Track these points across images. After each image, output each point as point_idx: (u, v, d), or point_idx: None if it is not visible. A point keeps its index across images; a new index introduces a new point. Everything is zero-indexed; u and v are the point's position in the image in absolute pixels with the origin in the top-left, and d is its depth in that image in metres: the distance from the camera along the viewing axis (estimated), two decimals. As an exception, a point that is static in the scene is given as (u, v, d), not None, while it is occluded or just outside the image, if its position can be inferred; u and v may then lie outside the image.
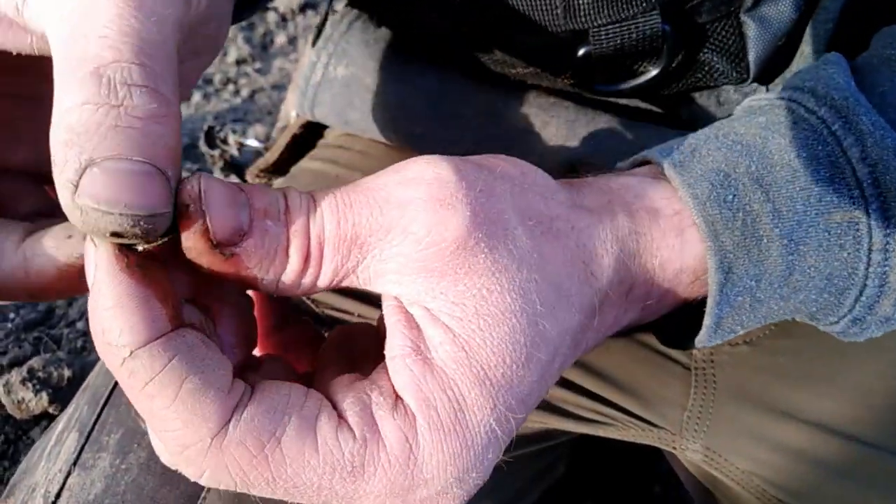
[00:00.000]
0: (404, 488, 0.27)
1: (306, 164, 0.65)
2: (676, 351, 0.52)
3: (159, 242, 0.27)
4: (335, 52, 0.59)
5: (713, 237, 0.33)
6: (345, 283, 0.30)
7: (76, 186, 0.24)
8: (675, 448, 0.53)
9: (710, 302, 0.34)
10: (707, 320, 0.35)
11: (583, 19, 0.43)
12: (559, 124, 0.53)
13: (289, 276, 0.28)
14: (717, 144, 0.36)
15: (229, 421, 0.26)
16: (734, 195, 0.34)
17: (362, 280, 0.29)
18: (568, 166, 0.52)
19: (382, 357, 0.33)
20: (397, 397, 0.28)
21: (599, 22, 0.43)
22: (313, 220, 0.28)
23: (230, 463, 0.26)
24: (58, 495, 0.45)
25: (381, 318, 0.36)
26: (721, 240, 0.33)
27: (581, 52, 0.45)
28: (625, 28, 0.43)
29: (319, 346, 0.37)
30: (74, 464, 0.46)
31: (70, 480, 0.46)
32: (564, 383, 0.52)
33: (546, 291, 0.29)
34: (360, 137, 0.63)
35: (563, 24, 0.43)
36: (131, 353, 0.25)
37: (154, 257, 0.27)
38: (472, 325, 0.28)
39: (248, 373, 0.31)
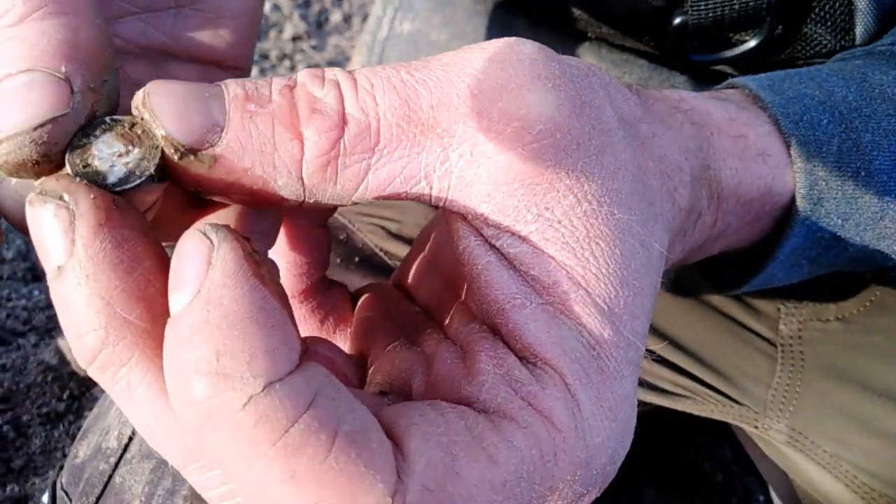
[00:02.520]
0: (585, 462, 0.22)
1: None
2: (762, 326, 0.50)
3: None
4: (400, 6, 0.58)
5: (804, 159, 0.30)
6: (413, 192, 0.23)
7: None
8: (756, 427, 0.50)
9: (788, 231, 0.31)
10: (778, 252, 0.31)
11: None
12: (631, 81, 0.51)
13: (313, 163, 0.21)
14: (811, 75, 0.32)
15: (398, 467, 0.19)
16: (829, 120, 0.30)
17: (437, 190, 0.22)
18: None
19: (434, 315, 0.29)
20: (531, 362, 0.23)
21: None
22: (351, 93, 0.22)
23: None
24: (131, 437, 0.45)
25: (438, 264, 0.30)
26: (812, 163, 0.30)
27: (676, 21, 0.42)
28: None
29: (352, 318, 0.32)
30: (147, 409, 0.47)
31: (143, 425, 0.46)
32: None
33: (645, 207, 0.24)
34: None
35: None
36: (264, 388, 0.18)
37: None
38: (586, 252, 0.22)
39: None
